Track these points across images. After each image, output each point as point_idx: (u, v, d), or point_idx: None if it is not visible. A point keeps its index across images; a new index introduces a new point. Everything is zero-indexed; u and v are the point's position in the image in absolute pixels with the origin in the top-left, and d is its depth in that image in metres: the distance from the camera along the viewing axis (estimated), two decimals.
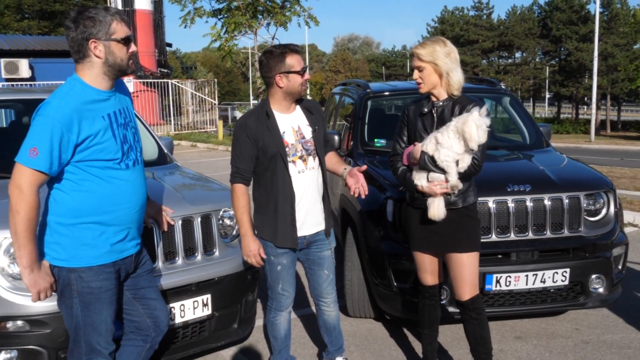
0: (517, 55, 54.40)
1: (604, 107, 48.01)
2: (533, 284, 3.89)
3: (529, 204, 3.96)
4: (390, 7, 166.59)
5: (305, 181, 3.22)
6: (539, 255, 3.95)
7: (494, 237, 3.94)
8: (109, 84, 2.65)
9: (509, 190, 3.97)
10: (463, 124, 2.97)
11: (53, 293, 2.63)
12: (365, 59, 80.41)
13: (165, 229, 3.32)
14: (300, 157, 3.21)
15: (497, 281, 3.85)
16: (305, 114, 3.27)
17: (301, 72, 3.13)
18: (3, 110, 8.02)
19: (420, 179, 3.16)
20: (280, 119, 3.20)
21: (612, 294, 4.10)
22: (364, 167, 3.25)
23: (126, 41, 2.61)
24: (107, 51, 2.57)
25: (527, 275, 3.87)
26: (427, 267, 3.39)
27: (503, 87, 5.86)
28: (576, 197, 4.05)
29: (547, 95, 57.38)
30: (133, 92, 20.70)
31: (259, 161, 3.17)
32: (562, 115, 53.59)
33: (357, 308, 4.53)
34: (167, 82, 21.85)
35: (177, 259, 3.43)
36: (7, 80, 19.36)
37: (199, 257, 3.52)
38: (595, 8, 30.80)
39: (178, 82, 23.00)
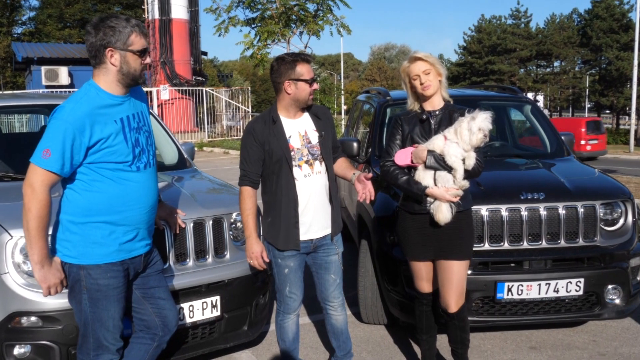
0: (556, 64, 53.43)
1: None
2: (546, 293, 3.84)
3: (543, 212, 3.92)
4: (427, 16, 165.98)
5: (312, 185, 3.27)
6: (553, 264, 3.90)
7: (506, 245, 3.91)
8: (122, 90, 2.76)
9: (522, 198, 3.94)
10: (470, 121, 3.10)
11: (64, 289, 2.74)
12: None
13: (177, 231, 3.42)
14: (307, 162, 3.26)
15: (509, 289, 3.82)
16: (313, 119, 3.33)
17: (309, 82, 3.20)
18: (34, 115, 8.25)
19: (426, 179, 3.19)
20: (286, 123, 3.27)
21: (630, 305, 4.02)
22: (370, 174, 3.28)
23: (142, 53, 2.72)
24: (122, 60, 2.69)
25: (539, 284, 3.83)
26: (423, 275, 3.43)
27: (524, 95, 5.80)
28: (592, 206, 3.99)
29: (587, 105, 56.14)
30: (169, 100, 21.15)
31: (266, 165, 3.24)
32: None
33: (370, 314, 4.54)
34: (202, 90, 22.21)
35: (188, 260, 3.51)
36: (47, 87, 20.01)
37: (209, 259, 3.60)
38: (637, 16, 30.07)
39: (212, 90, 23.35)
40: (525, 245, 3.92)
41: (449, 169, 3.15)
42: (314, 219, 3.29)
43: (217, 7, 18.66)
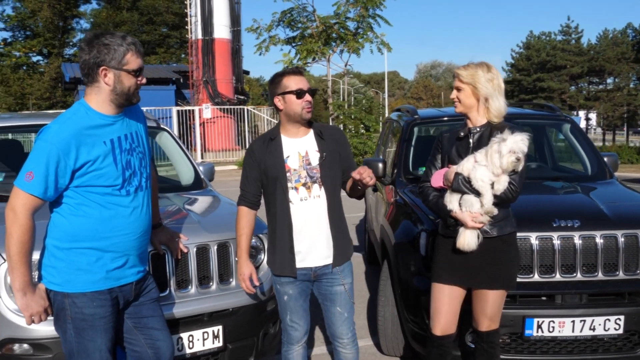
0: (609, 80, 51.81)
1: None
2: (581, 331, 3.49)
3: (578, 241, 3.58)
4: (474, 34, 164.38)
5: (308, 210, 3.04)
6: (589, 299, 3.54)
7: (536, 277, 3.58)
8: (115, 110, 2.62)
9: (554, 225, 3.61)
10: (500, 143, 2.88)
11: (49, 317, 2.60)
12: (447, 85, 79.44)
13: (179, 256, 3.25)
14: (304, 184, 3.05)
15: (539, 326, 3.49)
16: (317, 139, 3.10)
17: (296, 92, 2.98)
18: None
19: (452, 202, 2.99)
20: (286, 143, 3.08)
21: None
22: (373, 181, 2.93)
23: (137, 72, 2.58)
24: (116, 80, 2.55)
25: (573, 321, 3.48)
26: (444, 308, 3.12)
27: (562, 113, 5.45)
28: (634, 235, 3.62)
29: None
30: (210, 118, 21.35)
31: (264, 185, 3.10)
32: None
33: (390, 346, 4.26)
34: (244, 109, 22.34)
35: (190, 287, 3.33)
36: None
37: (213, 286, 3.41)
38: None
39: (253, 109, 23.48)
40: (557, 277, 3.58)
41: (476, 193, 2.93)
42: (312, 247, 3.06)
43: (258, 26, 18.87)
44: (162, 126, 4.96)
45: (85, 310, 2.55)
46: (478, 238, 2.97)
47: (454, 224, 3.04)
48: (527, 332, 3.49)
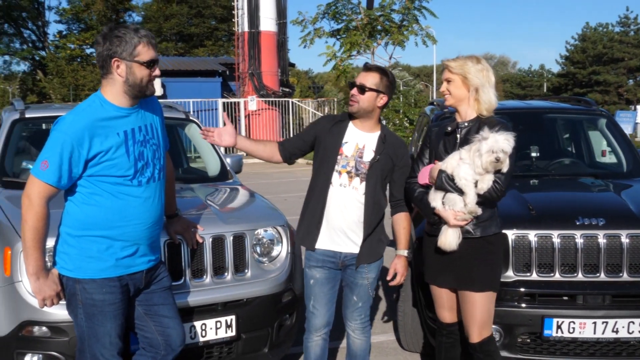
0: None
1: None
2: (603, 333, 3.38)
3: (602, 240, 3.45)
4: (528, 26, 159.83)
5: (343, 197, 3.12)
6: (612, 301, 3.42)
7: (557, 276, 3.48)
8: (129, 102, 2.68)
9: (577, 223, 3.50)
10: (481, 141, 2.81)
11: (61, 301, 2.69)
12: (500, 79, 77.62)
13: (194, 246, 3.31)
14: (348, 172, 3.12)
15: (559, 326, 3.39)
16: (379, 141, 3.15)
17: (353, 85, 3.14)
18: None
19: (435, 200, 2.93)
20: (351, 130, 3.19)
21: None
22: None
23: (149, 64, 2.62)
24: (128, 71, 2.60)
25: (595, 323, 3.37)
26: (444, 302, 3.12)
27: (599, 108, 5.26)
28: None
29: None
30: (255, 110, 21.54)
31: (316, 157, 3.24)
32: None
33: (410, 341, 4.23)
34: (289, 101, 22.46)
35: (205, 276, 3.38)
36: None
37: (228, 276, 3.45)
38: None
39: (298, 101, 23.55)
40: (579, 277, 3.47)
41: (460, 191, 2.86)
42: (339, 231, 3.13)
43: (303, 18, 18.88)
44: (190, 118, 5.04)
45: (95, 296, 2.63)
46: (459, 236, 2.91)
47: (437, 222, 2.98)
48: (546, 332, 3.41)
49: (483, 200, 2.86)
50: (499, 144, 2.76)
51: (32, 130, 4.86)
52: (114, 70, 2.61)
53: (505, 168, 2.83)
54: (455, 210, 2.87)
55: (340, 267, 3.20)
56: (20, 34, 36.94)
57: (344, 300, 3.31)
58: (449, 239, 2.89)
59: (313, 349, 3.29)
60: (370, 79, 3.10)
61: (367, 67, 3.19)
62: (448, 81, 3.01)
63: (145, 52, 2.61)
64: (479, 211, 2.86)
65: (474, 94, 2.94)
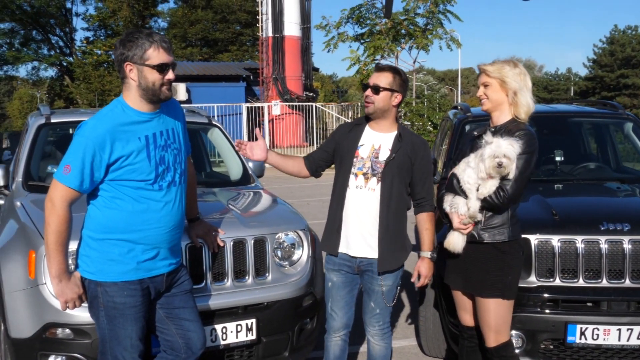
0: None
1: None
2: (627, 340, 3.32)
3: (627, 245, 3.40)
4: (555, 29, 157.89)
5: (359, 199, 3.12)
6: (638, 307, 3.36)
7: (581, 282, 3.43)
8: (149, 107, 2.70)
9: (602, 228, 3.45)
10: (484, 147, 2.84)
11: (83, 304, 2.73)
12: None
13: (215, 249, 3.33)
14: (364, 174, 3.13)
15: (582, 333, 3.34)
16: (395, 140, 3.15)
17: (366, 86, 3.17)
18: None
19: (446, 202, 2.98)
20: (367, 133, 3.22)
21: None
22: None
23: (160, 68, 2.62)
24: (140, 75, 2.62)
25: (619, 329, 3.32)
26: (465, 305, 3.13)
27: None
28: None
29: None
30: (279, 115, 21.63)
31: (336, 163, 3.30)
32: None
33: (432, 347, 4.20)
34: (312, 106, 22.49)
35: (226, 280, 3.40)
36: None
37: (249, 280, 3.47)
38: None
39: (322, 106, 23.58)
40: (604, 283, 3.41)
41: (465, 195, 2.88)
42: (356, 234, 3.13)
43: (327, 23, 18.93)
44: (213, 122, 5.08)
45: (116, 299, 2.66)
46: (463, 239, 2.94)
47: (448, 223, 3.03)
48: (570, 338, 3.36)
49: (486, 205, 2.86)
50: (501, 148, 2.75)
51: (58, 134, 4.95)
52: (127, 74, 2.64)
53: (511, 174, 2.80)
54: (459, 214, 2.90)
55: (356, 271, 3.21)
56: (48, 40, 37.69)
57: (363, 306, 3.31)
58: (454, 241, 2.95)
59: (332, 349, 3.33)
60: (384, 79, 3.11)
61: (379, 67, 3.21)
62: (485, 85, 2.99)
63: (155, 56, 2.61)
64: (479, 217, 2.87)
65: (512, 97, 2.92)
